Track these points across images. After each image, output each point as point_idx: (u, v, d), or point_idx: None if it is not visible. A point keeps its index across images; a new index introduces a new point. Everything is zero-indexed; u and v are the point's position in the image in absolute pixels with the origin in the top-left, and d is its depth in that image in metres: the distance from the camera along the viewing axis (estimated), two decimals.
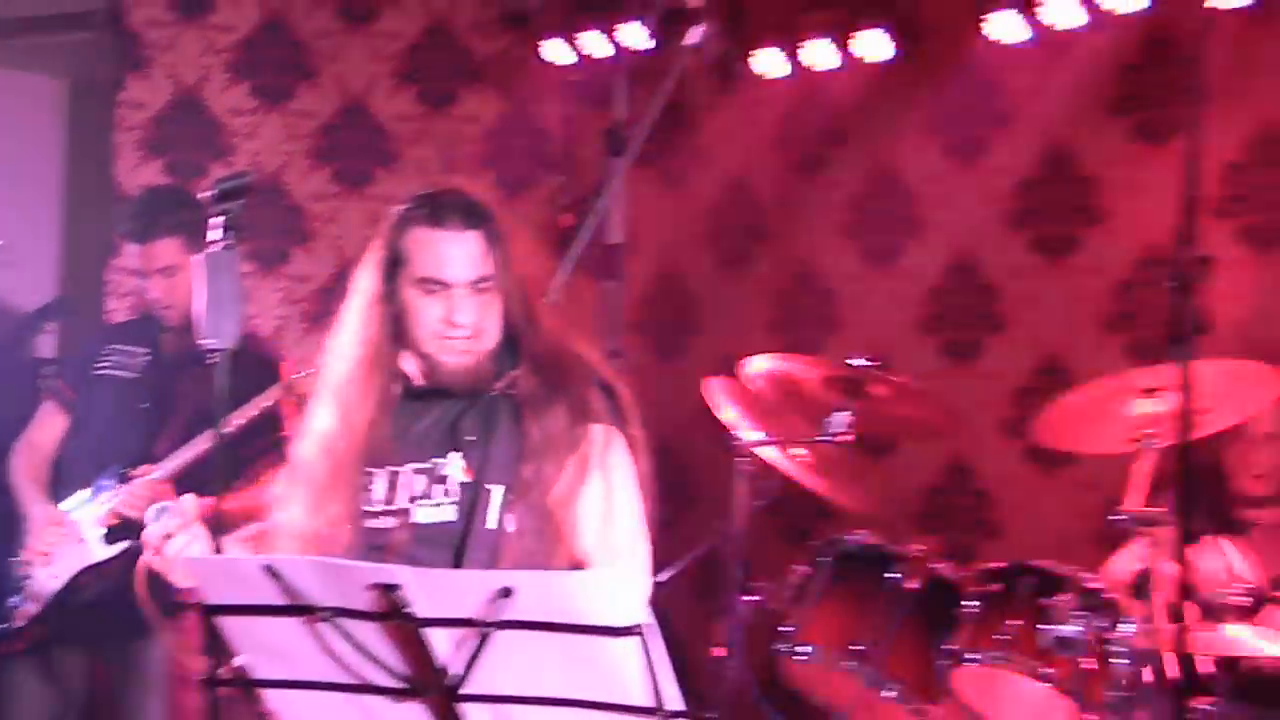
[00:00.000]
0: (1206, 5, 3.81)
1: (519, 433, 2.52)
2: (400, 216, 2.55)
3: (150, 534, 2.48)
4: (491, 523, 2.49)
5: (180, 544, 2.44)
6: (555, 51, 5.82)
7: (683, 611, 5.12)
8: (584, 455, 2.51)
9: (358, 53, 6.21)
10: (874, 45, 5.25)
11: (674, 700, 1.83)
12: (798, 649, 3.73)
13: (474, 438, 2.54)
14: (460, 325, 2.50)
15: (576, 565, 2.47)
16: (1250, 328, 4.69)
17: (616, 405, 2.58)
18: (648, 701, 1.83)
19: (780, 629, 3.78)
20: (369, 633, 1.96)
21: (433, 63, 6.22)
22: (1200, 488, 3.95)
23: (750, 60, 5.57)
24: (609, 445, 2.55)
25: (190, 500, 2.51)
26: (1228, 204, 4.83)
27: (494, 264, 2.52)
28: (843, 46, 5.30)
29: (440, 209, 2.52)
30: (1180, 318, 2.56)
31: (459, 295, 2.50)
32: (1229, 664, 3.47)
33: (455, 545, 2.49)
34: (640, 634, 1.79)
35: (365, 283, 2.58)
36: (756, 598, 3.96)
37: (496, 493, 2.50)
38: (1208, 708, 3.44)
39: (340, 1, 6.19)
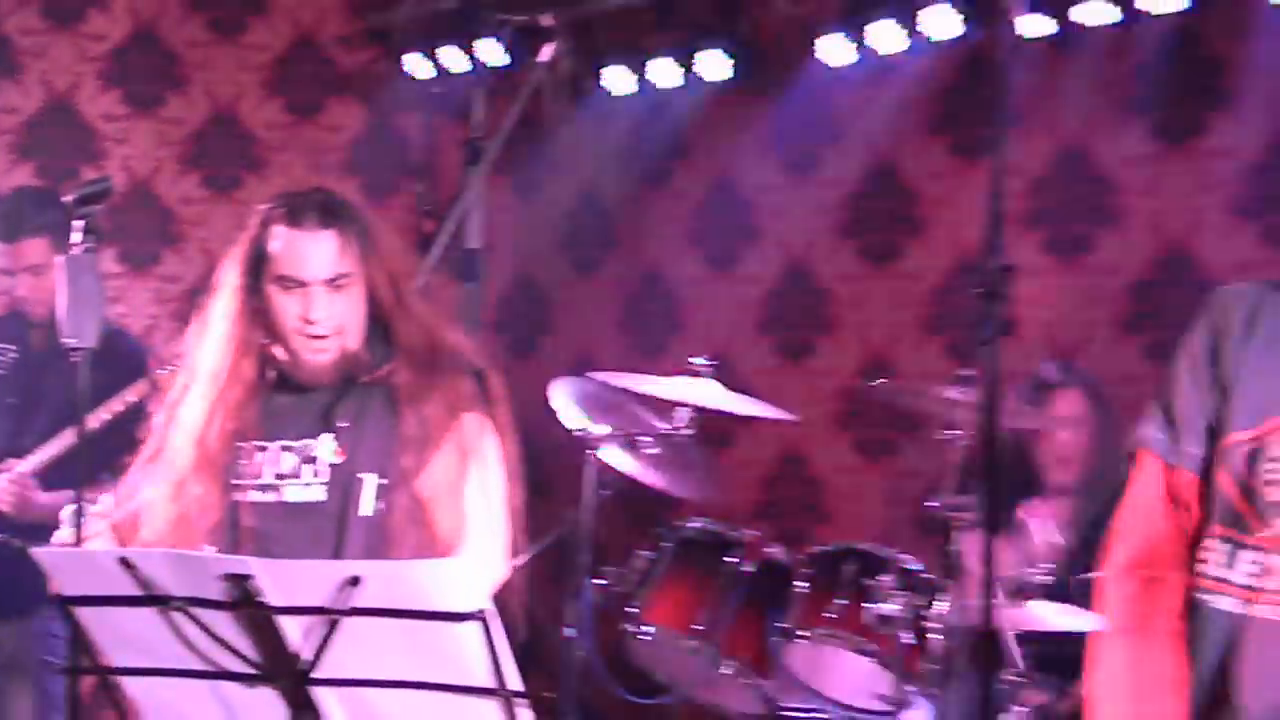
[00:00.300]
0: (1015, 34, 3.90)
1: (393, 422, 2.48)
2: (262, 216, 2.50)
3: (66, 537, 2.40)
4: (366, 510, 2.44)
5: (101, 545, 2.38)
6: (416, 66, 5.75)
7: (536, 594, 5.09)
8: (459, 444, 2.49)
9: (227, 63, 6.11)
10: (714, 65, 5.26)
11: (514, 681, 1.82)
12: (642, 629, 3.72)
13: (346, 424, 2.49)
14: (316, 322, 2.45)
15: (447, 551, 2.45)
16: (1053, 329, 4.82)
17: (488, 392, 2.57)
18: (490, 682, 1.81)
19: (626, 610, 3.77)
20: (222, 621, 1.92)
21: (299, 74, 6.14)
22: (1010, 475, 4.05)
23: (600, 77, 5.55)
24: (481, 433, 2.53)
25: (109, 499, 2.45)
26: (1033, 216, 4.95)
27: (352, 261, 2.47)
28: (686, 66, 5.31)
29: (298, 209, 2.47)
30: (986, 321, 2.59)
31: (316, 292, 2.44)
32: (1032, 637, 3.55)
33: (334, 532, 2.43)
34: (482, 619, 1.77)
35: (230, 278, 2.53)
36: (604, 581, 3.94)
37: (370, 481, 2.46)
38: (1014, 677, 3.53)
39: (210, 14, 6.07)
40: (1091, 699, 1.74)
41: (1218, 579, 1.70)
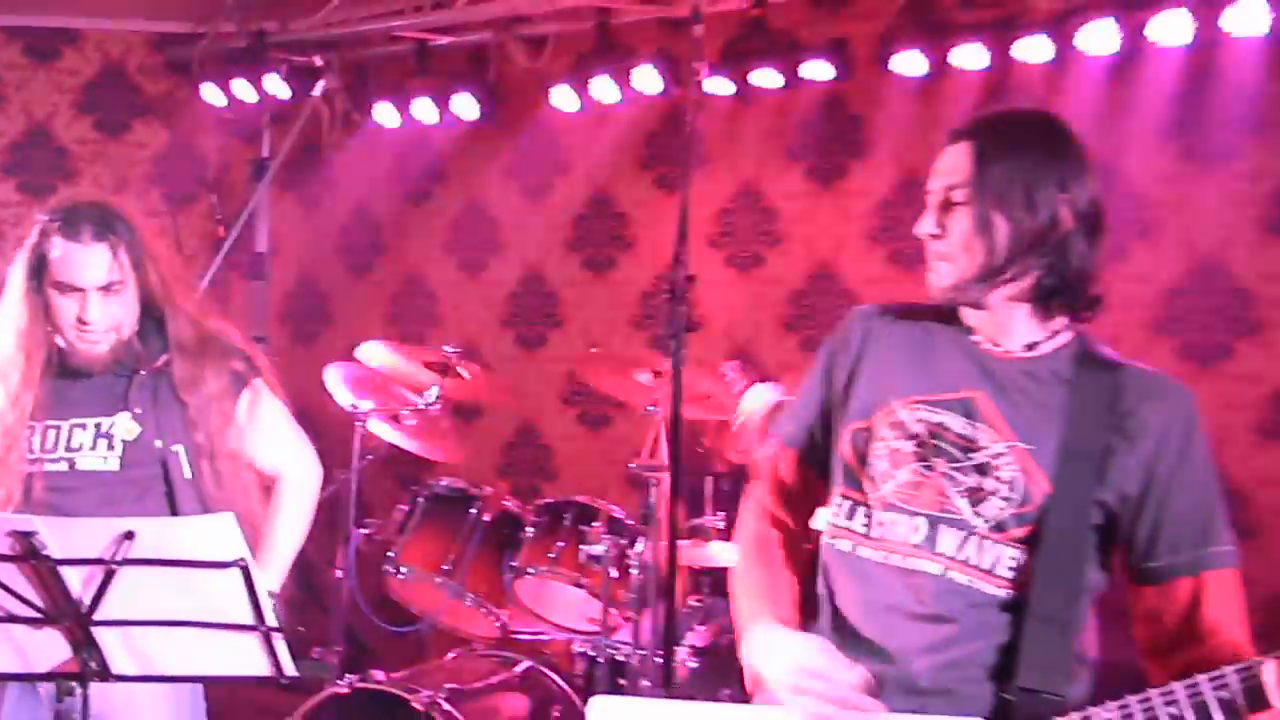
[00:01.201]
0: (703, 92, 4.01)
1: (180, 404, 2.38)
2: (42, 226, 2.34)
3: None
4: (187, 474, 2.37)
5: None
6: (211, 94, 5.48)
7: (311, 542, 4.96)
8: (248, 406, 2.46)
9: (42, 85, 5.71)
10: (466, 106, 5.20)
11: (271, 618, 1.75)
12: (400, 569, 3.65)
13: (140, 409, 2.36)
14: (89, 323, 2.32)
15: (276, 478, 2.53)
16: (733, 329, 4.97)
17: (254, 363, 2.52)
18: (251, 621, 1.74)
19: (386, 554, 3.69)
20: (10, 572, 1.78)
21: (108, 97, 5.78)
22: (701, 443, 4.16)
23: (371, 111, 5.42)
24: (260, 393, 2.50)
25: None
26: (719, 238, 5.08)
27: (124, 268, 2.33)
28: (442, 105, 5.23)
29: (73, 222, 2.32)
30: (673, 320, 2.64)
31: (91, 297, 2.31)
32: (712, 571, 3.66)
33: (134, 497, 2.32)
34: (243, 566, 1.69)
35: (16, 279, 2.36)
36: (368, 530, 3.86)
37: (180, 451, 2.37)
38: (696, 603, 3.62)
39: (26, 41, 5.63)
40: (735, 612, 1.80)
41: (841, 527, 1.75)
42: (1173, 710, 1.42)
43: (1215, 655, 1.56)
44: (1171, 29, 4.02)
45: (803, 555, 1.84)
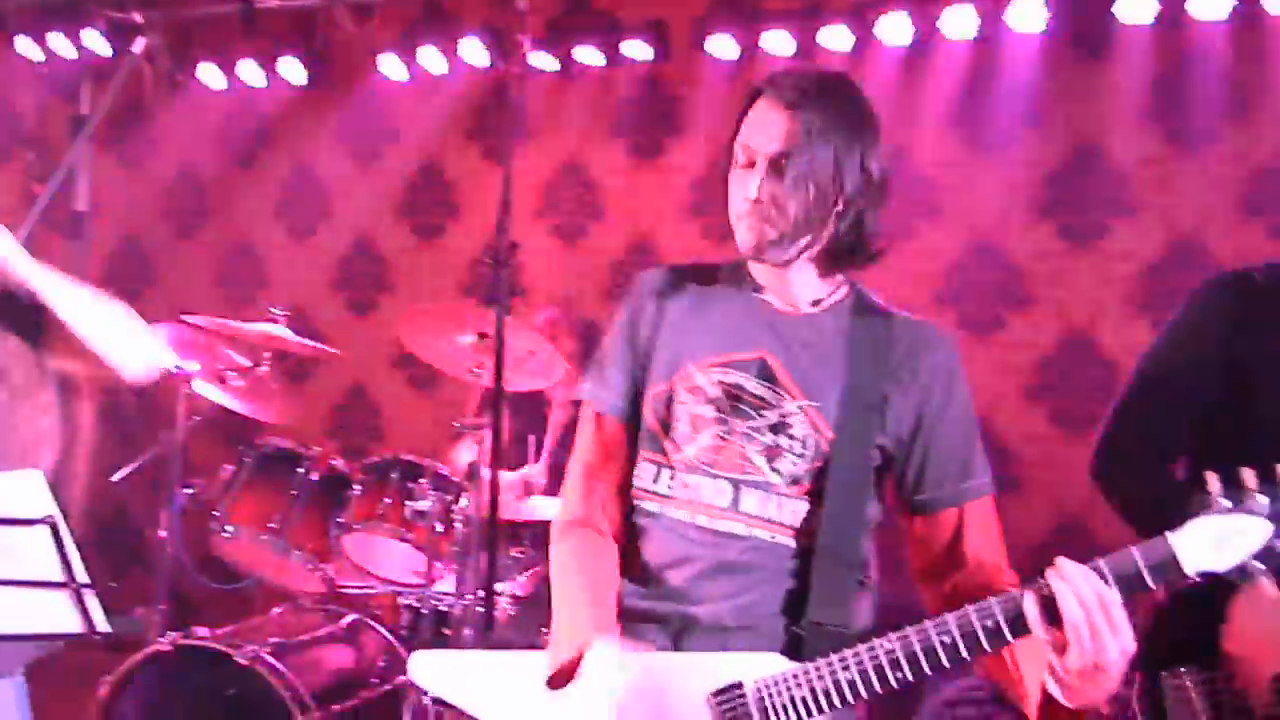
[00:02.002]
0: (527, 66, 3.99)
1: None
2: None
3: None
4: None
5: None
6: (27, 49, 5.12)
7: (137, 502, 4.76)
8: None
9: None
10: (292, 71, 5.02)
11: (81, 575, 1.67)
12: (225, 528, 3.53)
13: None
14: None
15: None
16: (557, 297, 4.97)
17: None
18: (61, 577, 1.66)
19: (212, 513, 3.57)
20: None
21: None
22: (526, 400, 4.15)
23: (195, 72, 5.16)
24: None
25: None
26: (544, 209, 5.07)
27: None
28: (268, 69, 5.03)
29: None
30: (496, 285, 2.63)
31: None
32: (533, 524, 3.67)
33: None
34: (51, 523, 1.61)
35: None
36: (192, 490, 3.71)
37: None
38: (517, 554, 3.63)
39: None
40: (551, 573, 1.79)
41: (647, 490, 1.76)
42: (945, 638, 1.50)
43: (977, 575, 1.68)
44: (959, 23, 4.21)
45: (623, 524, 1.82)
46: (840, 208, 1.70)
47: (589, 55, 4.65)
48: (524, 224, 5.01)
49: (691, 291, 1.82)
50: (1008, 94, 4.37)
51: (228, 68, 5.07)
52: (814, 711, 1.56)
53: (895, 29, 4.30)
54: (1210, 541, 1.39)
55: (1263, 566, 1.38)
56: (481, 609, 2.95)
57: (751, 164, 1.71)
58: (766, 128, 1.69)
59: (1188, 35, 4.11)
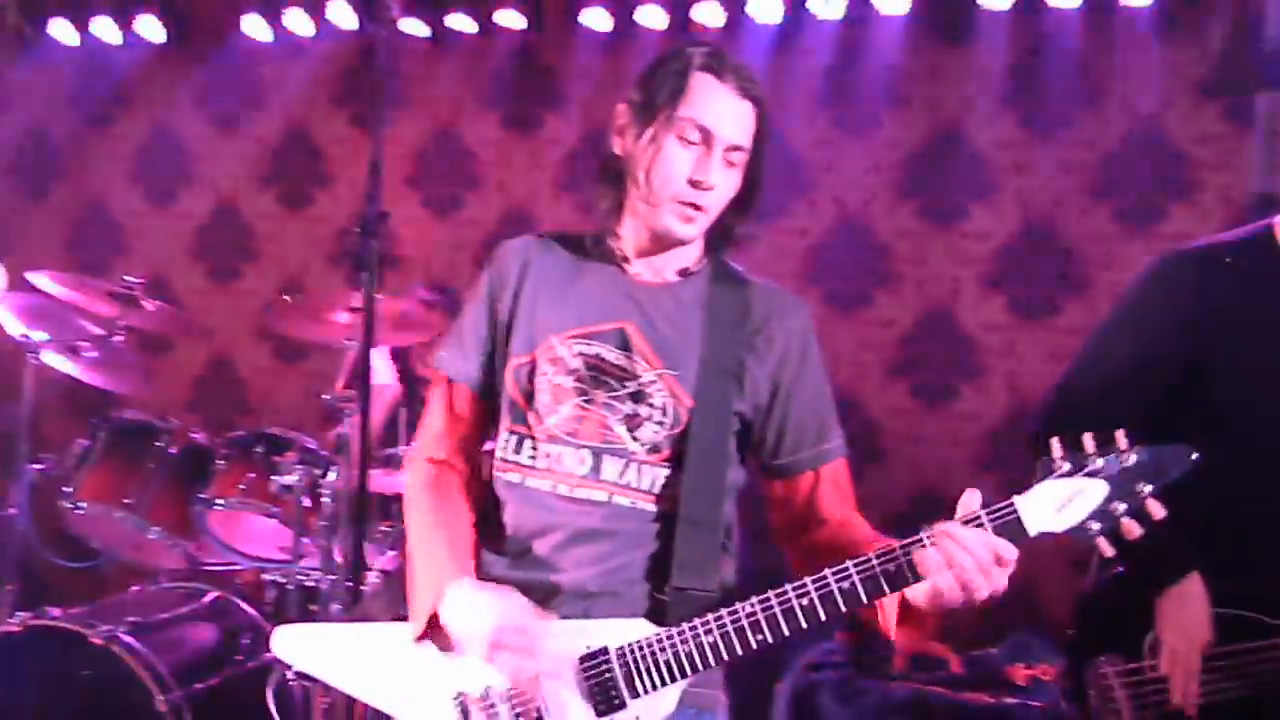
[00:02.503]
0: (398, 31, 3.91)
1: None
2: None
3: None
4: None
5: None
6: None
7: None
8: None
9: None
10: (150, 28, 4.82)
11: None
12: (77, 505, 3.41)
13: None
14: None
15: None
16: (432, 268, 4.92)
17: None
18: None
19: (63, 490, 3.44)
20: None
21: None
22: (396, 374, 4.10)
23: (45, 27, 4.91)
24: None
25: None
26: (416, 179, 5.00)
27: None
28: (124, 26, 4.82)
29: None
30: (364, 254, 2.59)
31: None
32: (403, 497, 3.63)
33: None
34: None
35: None
36: (41, 466, 3.57)
37: None
38: (386, 528, 3.60)
39: None
40: (408, 551, 1.79)
41: (509, 461, 1.77)
42: (804, 601, 1.55)
43: (835, 534, 1.75)
44: (828, 3, 4.29)
45: (478, 490, 1.83)
46: (755, 195, 1.75)
47: (461, 22, 4.60)
48: (395, 194, 4.93)
49: (554, 262, 1.82)
50: (874, 75, 4.48)
51: (81, 24, 4.84)
52: (678, 675, 1.60)
53: (766, 6, 4.37)
54: (1052, 504, 1.46)
55: (1099, 526, 1.45)
56: (349, 584, 2.91)
57: (705, 144, 1.68)
58: (726, 115, 1.68)
59: (1043, 21, 4.28)
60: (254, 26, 4.73)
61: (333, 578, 3.16)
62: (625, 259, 1.80)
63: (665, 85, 1.68)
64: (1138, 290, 2.04)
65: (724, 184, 1.70)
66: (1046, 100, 4.32)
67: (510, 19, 4.56)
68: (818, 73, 4.53)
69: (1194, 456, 1.44)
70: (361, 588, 2.76)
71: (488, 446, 1.85)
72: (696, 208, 1.69)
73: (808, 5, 4.33)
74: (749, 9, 4.37)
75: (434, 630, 1.69)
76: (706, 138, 1.67)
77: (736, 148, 1.69)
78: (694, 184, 1.68)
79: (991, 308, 4.33)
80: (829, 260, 4.56)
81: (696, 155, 1.68)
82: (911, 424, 4.40)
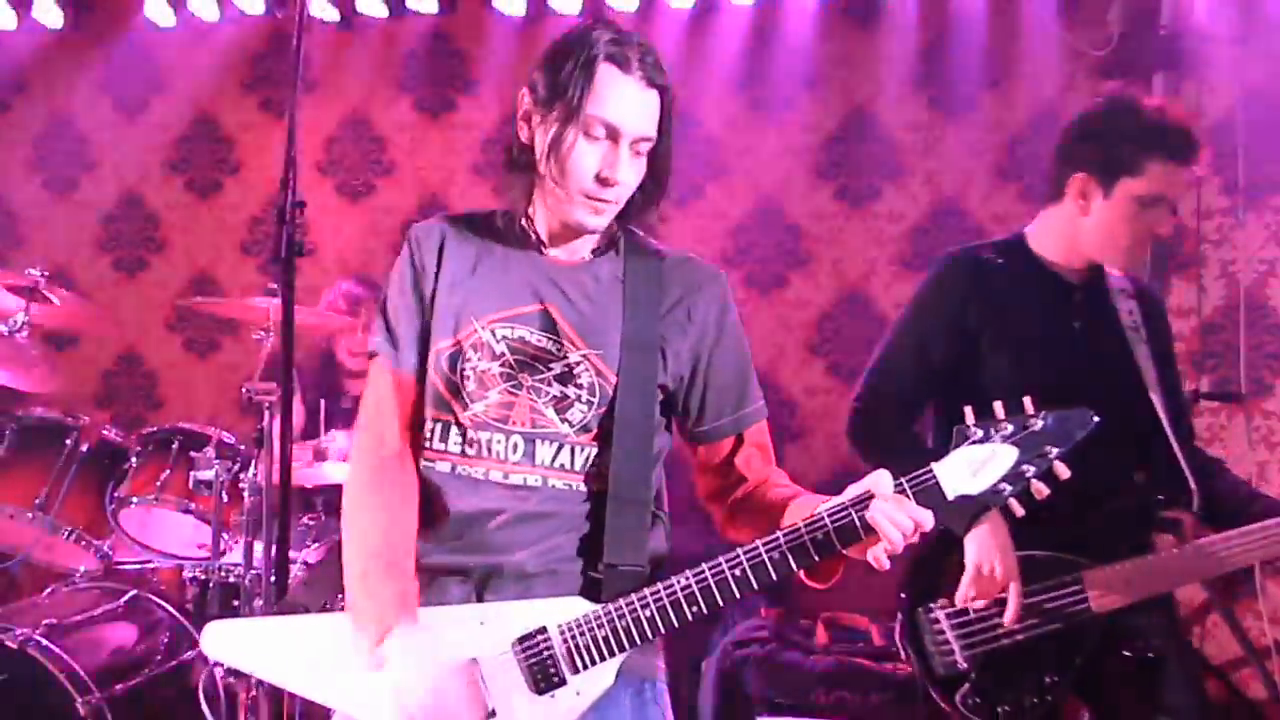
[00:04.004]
0: (308, 15, 3.83)
1: None
2: None
3: None
4: None
5: None
6: None
7: None
8: None
9: None
10: (48, 12, 4.66)
11: None
12: None
13: None
14: None
15: None
16: (347, 256, 4.85)
17: None
18: None
19: None
20: None
21: None
22: (317, 366, 4.05)
23: None
24: None
25: None
26: (328, 166, 4.93)
27: None
28: (21, 9, 4.66)
29: None
30: (281, 245, 2.54)
31: None
32: (326, 489, 3.60)
33: None
34: None
35: None
36: None
37: None
38: (310, 521, 3.56)
39: None
40: (348, 552, 1.74)
41: (436, 450, 1.77)
42: (737, 571, 1.60)
43: (758, 493, 1.80)
44: None
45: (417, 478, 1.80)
46: (664, 179, 1.75)
47: (372, 6, 4.54)
48: (307, 180, 4.85)
49: (470, 244, 1.81)
50: (787, 59, 4.54)
51: None
52: (616, 649, 1.64)
53: None
54: (968, 469, 1.54)
55: (1010, 488, 1.53)
56: (274, 579, 2.88)
57: (612, 140, 1.68)
58: (632, 108, 1.66)
59: (950, 5, 4.38)
60: (156, 10, 4.61)
61: (255, 573, 3.12)
62: (541, 241, 1.80)
63: (570, 79, 1.66)
64: (926, 286, 2.38)
65: (632, 175, 1.71)
66: (954, 83, 4.42)
67: (422, 2, 4.52)
68: (732, 56, 4.57)
69: (1095, 419, 1.52)
70: (287, 582, 2.73)
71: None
72: (605, 201, 1.71)
73: None
74: None
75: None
76: (613, 133, 1.67)
77: (645, 139, 1.70)
78: (602, 180, 1.68)
79: (906, 288, 4.39)
80: (746, 242, 4.61)
81: (604, 151, 1.68)
82: (830, 402, 4.48)
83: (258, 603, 3.11)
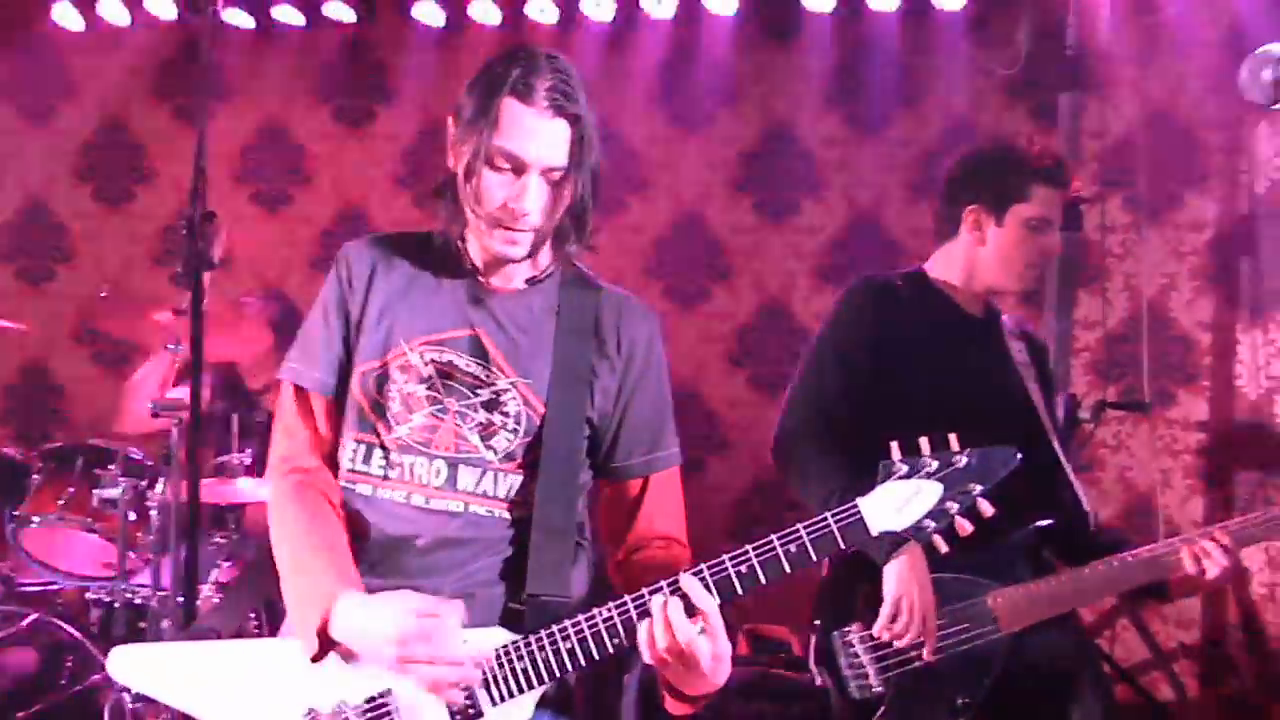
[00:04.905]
0: (220, 23, 3.75)
1: None
2: None
3: None
4: None
5: None
6: None
7: None
8: None
9: None
10: None
11: None
12: None
13: None
14: None
15: None
16: (262, 267, 4.74)
17: None
18: None
19: None
20: None
21: None
22: (225, 383, 3.94)
23: None
24: None
25: None
26: (244, 175, 4.82)
27: None
28: None
29: None
30: (190, 256, 2.48)
31: None
32: (237, 507, 3.50)
33: None
34: None
35: None
36: None
37: None
38: (221, 539, 3.46)
39: None
40: (281, 569, 1.70)
41: (358, 472, 1.73)
42: (641, 609, 1.55)
43: (648, 549, 1.77)
44: (660, 1, 4.33)
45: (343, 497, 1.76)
46: (588, 202, 1.71)
47: (288, 14, 4.44)
48: (222, 190, 4.73)
49: (402, 264, 1.77)
50: (707, 74, 4.55)
51: None
52: (535, 682, 1.60)
53: (598, 5, 4.37)
54: (892, 505, 1.53)
55: (934, 524, 1.53)
56: (182, 600, 2.78)
57: (518, 172, 1.64)
58: (538, 138, 1.63)
59: (864, 23, 4.43)
60: (64, 15, 4.46)
61: (164, 594, 3.02)
62: (476, 268, 1.76)
63: (478, 111, 1.64)
64: (842, 306, 2.44)
65: (545, 203, 1.66)
66: (869, 99, 4.47)
67: (339, 11, 4.45)
68: (652, 70, 4.57)
69: (1018, 457, 1.53)
70: (196, 603, 2.64)
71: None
72: (518, 230, 1.67)
73: (641, 4, 4.35)
74: (583, 7, 4.36)
75: (326, 647, 1.63)
76: (518, 165, 1.64)
77: (556, 169, 1.65)
78: (510, 211, 1.65)
79: (825, 300, 4.41)
80: (668, 256, 4.61)
81: (510, 181, 1.65)
82: (751, 414, 4.49)
83: (165, 625, 3.00)
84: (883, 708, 2.26)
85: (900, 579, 2.18)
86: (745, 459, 4.44)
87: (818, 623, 2.35)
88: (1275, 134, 3.89)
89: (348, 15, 4.47)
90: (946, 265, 2.49)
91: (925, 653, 2.21)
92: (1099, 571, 2.26)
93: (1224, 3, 3.97)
